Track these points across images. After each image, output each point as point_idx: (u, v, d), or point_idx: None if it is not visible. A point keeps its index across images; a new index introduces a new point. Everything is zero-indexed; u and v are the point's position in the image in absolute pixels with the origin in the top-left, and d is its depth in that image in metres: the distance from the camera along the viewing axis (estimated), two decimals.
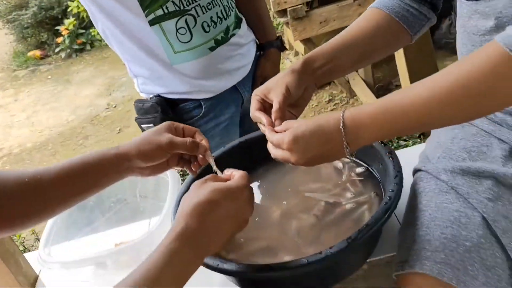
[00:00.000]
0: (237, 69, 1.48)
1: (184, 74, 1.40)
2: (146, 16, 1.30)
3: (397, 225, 0.96)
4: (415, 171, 0.93)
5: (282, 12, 3.04)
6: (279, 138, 0.80)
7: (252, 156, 1.08)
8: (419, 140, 2.58)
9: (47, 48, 6.62)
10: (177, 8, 1.31)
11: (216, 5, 1.38)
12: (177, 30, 1.33)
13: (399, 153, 0.95)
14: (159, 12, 1.30)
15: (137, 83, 1.48)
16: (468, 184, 0.82)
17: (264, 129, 0.87)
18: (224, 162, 1.07)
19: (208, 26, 1.37)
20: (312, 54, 0.95)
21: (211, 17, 1.37)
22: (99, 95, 5.05)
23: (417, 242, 0.79)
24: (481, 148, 0.87)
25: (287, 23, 3.14)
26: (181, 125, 0.95)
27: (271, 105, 0.89)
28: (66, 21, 6.23)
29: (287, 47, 4.44)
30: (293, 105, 0.92)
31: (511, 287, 0.76)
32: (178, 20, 1.32)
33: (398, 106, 0.72)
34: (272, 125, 0.85)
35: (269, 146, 0.84)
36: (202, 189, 0.74)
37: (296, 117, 0.94)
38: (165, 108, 1.40)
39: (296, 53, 3.86)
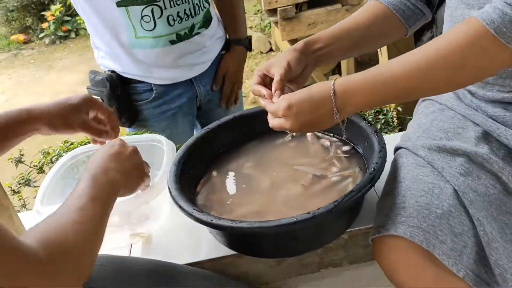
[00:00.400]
0: (194, 64, 1.52)
1: (140, 59, 1.45)
2: None
3: (377, 200, 1.03)
4: (396, 149, 1.01)
5: (272, 12, 3.12)
6: (275, 107, 0.87)
7: (246, 130, 1.15)
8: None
9: (31, 33, 6.54)
10: None
11: (185, 2, 1.42)
12: (142, 17, 1.38)
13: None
14: None
15: (97, 55, 1.54)
16: (443, 160, 0.90)
17: (263, 102, 0.93)
18: (219, 134, 1.15)
19: (173, 20, 1.42)
20: (313, 37, 1.02)
21: (178, 12, 1.41)
22: (81, 83, 5.02)
23: (393, 210, 0.87)
24: (457, 130, 0.95)
25: (276, 23, 3.22)
26: (99, 102, 1.01)
27: (271, 81, 0.95)
28: (53, 7, 6.17)
29: (274, 48, 4.53)
30: (292, 82, 0.98)
31: (475, 253, 0.84)
32: (144, 8, 1.37)
33: (384, 76, 0.80)
34: (271, 97, 0.92)
35: (268, 117, 0.91)
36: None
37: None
38: (114, 85, 1.46)
39: None
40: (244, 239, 0.95)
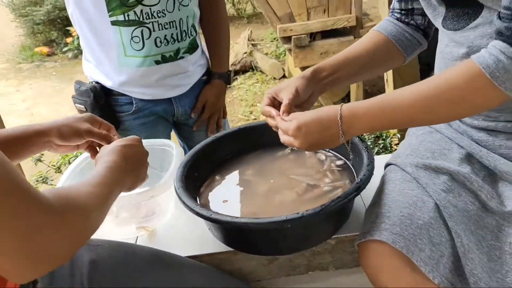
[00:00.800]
0: (175, 86, 1.63)
1: (126, 75, 1.56)
2: (110, 16, 1.48)
3: (365, 210, 1.12)
4: (387, 165, 1.11)
5: (287, 39, 3.26)
6: (286, 126, 0.97)
7: (249, 141, 1.26)
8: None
9: (55, 46, 6.80)
10: (137, 19, 1.49)
11: (173, 27, 1.55)
12: (132, 37, 1.51)
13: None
14: (121, 17, 1.48)
15: (85, 67, 1.65)
16: (427, 177, 0.99)
17: (272, 122, 1.03)
18: (225, 143, 1.26)
19: (161, 42, 1.54)
20: (320, 65, 1.12)
21: (165, 35, 1.54)
22: None
23: (379, 218, 0.96)
24: (443, 151, 1.05)
25: (289, 50, 3.35)
26: (100, 119, 1.10)
27: (279, 104, 1.05)
28: None
29: (287, 74, 4.67)
30: (299, 106, 1.08)
31: (451, 263, 0.92)
32: (135, 29, 1.50)
33: (389, 105, 0.89)
34: (279, 115, 1.02)
35: (279, 133, 1.00)
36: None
37: None
38: (98, 96, 1.57)
39: None
40: (239, 235, 1.04)
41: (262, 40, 5.61)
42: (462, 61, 0.91)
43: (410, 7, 1.14)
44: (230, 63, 4.86)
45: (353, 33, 3.22)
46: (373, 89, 3.81)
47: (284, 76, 4.64)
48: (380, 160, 1.14)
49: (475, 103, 0.85)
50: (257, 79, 4.77)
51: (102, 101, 1.58)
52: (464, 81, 0.82)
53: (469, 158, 1.02)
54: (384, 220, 0.95)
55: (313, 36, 3.29)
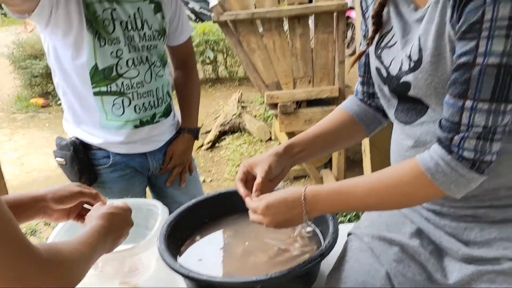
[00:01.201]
0: (150, 143, 1.81)
1: (106, 136, 1.72)
2: (93, 88, 1.66)
3: None
4: (348, 234, 1.23)
5: (274, 106, 3.45)
6: (256, 206, 1.08)
7: (228, 205, 1.38)
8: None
9: (51, 98, 6.97)
10: (118, 90, 1.68)
11: (151, 95, 1.75)
12: (113, 105, 1.69)
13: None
14: (104, 88, 1.66)
15: (65, 125, 1.81)
16: (381, 247, 1.11)
17: (245, 199, 1.14)
18: (205, 206, 1.38)
19: (139, 109, 1.73)
20: (292, 141, 1.25)
21: (144, 103, 1.73)
22: None
23: (338, 283, 1.07)
24: (397, 225, 1.17)
25: (276, 116, 3.54)
26: (87, 186, 1.21)
27: (253, 177, 1.17)
28: None
29: (273, 137, 4.84)
30: (271, 180, 1.20)
31: None
32: (116, 98, 1.69)
33: (346, 193, 1.02)
34: (248, 195, 1.13)
35: (250, 211, 1.11)
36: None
37: (273, 188, 1.21)
38: (77, 150, 1.71)
39: (280, 144, 4.23)
40: None
41: (252, 102, 5.84)
42: (410, 153, 1.05)
43: (371, 91, 1.27)
44: (220, 123, 5.06)
45: (336, 103, 3.42)
46: (356, 155, 3.97)
47: (270, 139, 4.82)
48: (346, 227, 1.25)
49: (420, 197, 0.99)
50: (245, 140, 4.94)
51: (81, 155, 1.72)
52: (410, 178, 0.95)
53: (419, 232, 1.13)
54: (341, 285, 1.06)
55: (298, 103, 3.48)
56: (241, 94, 5.80)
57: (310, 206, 1.03)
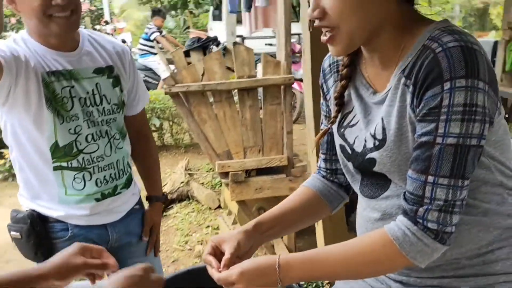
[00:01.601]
0: (111, 214, 1.80)
1: (65, 210, 1.69)
2: (53, 163, 1.64)
3: None
4: None
5: (224, 174, 3.47)
6: (229, 273, 1.09)
7: (200, 281, 1.36)
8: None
9: None
10: (80, 165, 1.67)
11: (111, 168, 1.76)
12: (74, 179, 1.68)
13: None
14: (64, 164, 1.65)
15: (20, 199, 1.75)
16: None
17: (213, 271, 1.15)
18: (179, 282, 1.35)
19: (101, 182, 1.73)
20: (260, 219, 1.28)
21: (105, 176, 1.74)
22: None
23: None
24: None
25: (227, 184, 3.56)
26: (90, 246, 1.18)
27: (221, 252, 1.19)
28: None
29: (222, 205, 4.83)
30: (239, 257, 1.20)
31: None
32: (77, 173, 1.68)
33: (318, 262, 1.06)
34: (219, 268, 1.14)
35: (221, 281, 1.11)
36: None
37: None
38: (34, 222, 1.66)
39: (229, 212, 4.23)
40: None
41: (199, 170, 5.83)
42: (377, 225, 1.12)
43: (334, 167, 1.36)
44: (168, 191, 4.99)
45: (285, 171, 3.51)
46: None
47: (219, 207, 4.80)
48: None
49: (388, 265, 1.04)
50: (193, 208, 4.88)
51: (38, 228, 1.65)
52: (379, 247, 1.01)
53: None
54: None
55: (248, 172, 3.54)
56: (188, 161, 5.80)
57: (284, 273, 1.05)
